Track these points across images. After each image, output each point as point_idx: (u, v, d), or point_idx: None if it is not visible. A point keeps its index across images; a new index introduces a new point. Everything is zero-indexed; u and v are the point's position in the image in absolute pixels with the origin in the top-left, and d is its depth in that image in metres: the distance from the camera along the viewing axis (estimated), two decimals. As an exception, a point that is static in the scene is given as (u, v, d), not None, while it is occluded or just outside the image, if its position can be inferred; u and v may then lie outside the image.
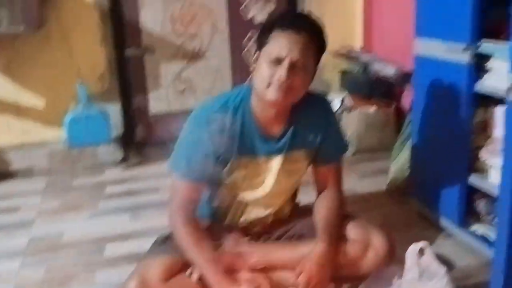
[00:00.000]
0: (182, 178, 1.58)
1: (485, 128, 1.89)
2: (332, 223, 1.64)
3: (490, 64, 1.73)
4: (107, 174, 2.94)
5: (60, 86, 2.98)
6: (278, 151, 1.62)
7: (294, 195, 1.85)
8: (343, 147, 1.76)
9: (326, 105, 1.72)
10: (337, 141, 1.73)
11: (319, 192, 1.74)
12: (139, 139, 3.21)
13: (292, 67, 1.46)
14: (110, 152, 3.07)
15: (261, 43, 1.51)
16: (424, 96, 2.04)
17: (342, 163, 1.75)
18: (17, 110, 2.98)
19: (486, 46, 1.71)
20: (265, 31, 1.51)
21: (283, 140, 1.62)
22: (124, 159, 3.09)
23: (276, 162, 1.63)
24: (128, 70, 3.11)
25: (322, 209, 1.67)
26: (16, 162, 2.95)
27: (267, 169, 1.64)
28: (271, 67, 1.47)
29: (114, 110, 3.09)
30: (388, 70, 2.91)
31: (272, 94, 1.48)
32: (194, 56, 3.18)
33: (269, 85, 1.48)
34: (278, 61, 1.46)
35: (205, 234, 1.58)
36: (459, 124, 1.88)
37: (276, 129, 1.62)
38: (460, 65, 1.80)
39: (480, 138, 1.88)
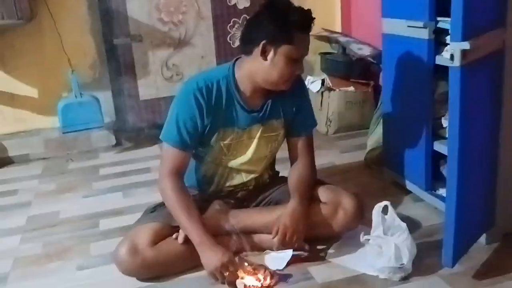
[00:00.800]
0: (172, 146, 1.73)
1: (447, 99, 2.03)
2: (303, 185, 1.81)
3: (447, 39, 1.87)
4: (101, 158, 3.08)
5: (52, 75, 3.10)
6: (258, 121, 1.79)
7: (273, 164, 2.02)
8: (313, 121, 1.94)
9: (300, 81, 1.88)
10: (308, 115, 1.92)
11: (293, 163, 1.91)
12: (130, 124, 3.34)
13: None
14: (104, 137, 3.20)
15: (276, 40, 1.63)
16: (392, 71, 2.18)
17: (312, 136, 1.92)
18: (12, 100, 3.10)
19: (442, 22, 1.85)
20: (283, 31, 1.62)
21: (263, 111, 1.79)
22: (117, 144, 3.23)
23: (256, 131, 1.80)
24: (117, 59, 3.23)
25: (294, 175, 1.85)
26: (13, 149, 3.08)
27: (249, 138, 1.81)
28: (291, 65, 1.66)
29: (106, 97, 3.22)
30: (364, 51, 3.05)
31: (287, 86, 1.72)
32: (180, 44, 3.31)
33: (288, 79, 1.68)
34: (298, 59, 1.67)
35: (191, 199, 1.73)
36: (423, 95, 2.02)
37: (257, 102, 1.79)
38: (421, 40, 1.93)
39: (443, 108, 2.02)
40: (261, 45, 1.64)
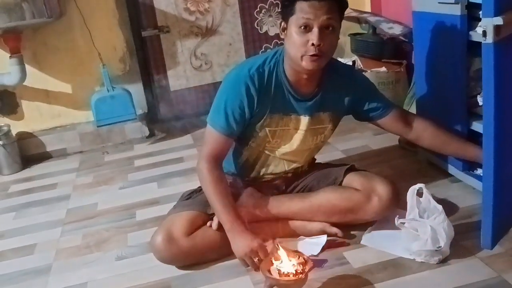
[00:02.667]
0: (217, 130, 1.73)
1: (482, 75, 1.96)
2: (454, 135, 1.90)
3: (481, 13, 1.80)
4: (135, 149, 3.13)
5: (84, 70, 3.15)
6: (307, 111, 1.77)
7: None
8: (391, 103, 1.91)
9: (352, 72, 1.91)
10: (381, 96, 1.90)
11: (406, 136, 1.93)
12: (162, 115, 3.38)
13: (321, 31, 1.58)
14: (137, 129, 3.25)
15: (286, 14, 1.63)
16: (424, 50, 2.12)
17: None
18: (47, 97, 3.17)
19: (475, -3, 1.79)
20: (286, 4, 1.62)
21: (313, 101, 1.76)
22: (150, 135, 3.28)
23: (304, 122, 1.78)
24: (146, 51, 3.26)
25: (430, 136, 1.88)
26: (51, 144, 3.17)
27: (295, 128, 1.79)
28: (302, 35, 1.59)
29: (137, 89, 3.26)
30: (395, 30, 2.98)
31: (307, 64, 1.62)
32: (208, 32, 3.31)
33: (304, 54, 1.60)
34: (307, 29, 1.58)
35: (227, 184, 1.74)
36: (457, 73, 1.96)
37: (307, 91, 1.76)
38: (453, 17, 1.87)
39: (479, 85, 1.96)
40: (280, 25, 1.68)
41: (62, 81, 3.16)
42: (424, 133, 1.88)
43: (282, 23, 1.67)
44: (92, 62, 3.12)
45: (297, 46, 1.60)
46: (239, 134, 1.77)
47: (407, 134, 1.90)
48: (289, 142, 1.81)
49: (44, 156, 3.15)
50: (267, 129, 1.76)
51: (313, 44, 1.57)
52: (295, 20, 1.59)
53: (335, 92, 1.79)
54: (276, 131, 1.77)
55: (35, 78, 3.10)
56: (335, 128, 1.88)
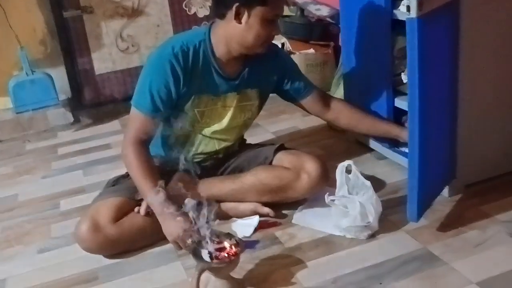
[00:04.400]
0: (142, 112, 1.67)
1: (406, 54, 2.01)
2: (369, 114, 1.99)
3: (404, -8, 1.84)
4: (59, 137, 2.98)
5: (0, 54, 2.95)
6: (234, 89, 1.75)
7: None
8: (311, 83, 1.96)
9: (278, 50, 1.93)
10: (303, 76, 1.94)
11: (325, 117, 1.99)
12: (87, 100, 3.24)
13: None
14: (60, 115, 3.10)
15: (251, 3, 1.58)
16: (350, 30, 2.14)
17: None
18: (-41, 83, 2.95)
19: (397, -26, 1.82)
20: None
21: (239, 79, 1.75)
22: (75, 121, 3.13)
23: (232, 99, 1.76)
24: (68, 32, 3.09)
25: (348, 116, 1.94)
26: (-35, 134, 2.96)
27: (224, 106, 1.77)
28: (266, 28, 1.61)
29: (60, 74, 3.09)
30: (322, 11, 3.00)
31: (263, 49, 1.67)
32: (134, 13, 3.18)
33: (263, 42, 1.64)
34: (273, 21, 1.62)
35: (155, 167, 1.68)
36: (382, 52, 2.00)
37: (233, 69, 1.74)
38: (378, -5, 1.90)
39: (403, 63, 2.01)
40: (234, 8, 1.59)
41: (-24, 66, 2.95)
42: (341, 113, 1.94)
43: (238, 8, 1.58)
44: (9, 45, 2.92)
45: (262, 38, 1.62)
46: (167, 116, 1.71)
47: (326, 114, 1.96)
48: (218, 121, 1.78)
49: (-42, 147, 2.93)
50: (196, 110, 1.72)
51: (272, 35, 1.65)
52: (265, 12, 1.58)
53: (261, 69, 1.79)
54: (204, 111, 1.74)
55: None
56: (262, 105, 1.89)
